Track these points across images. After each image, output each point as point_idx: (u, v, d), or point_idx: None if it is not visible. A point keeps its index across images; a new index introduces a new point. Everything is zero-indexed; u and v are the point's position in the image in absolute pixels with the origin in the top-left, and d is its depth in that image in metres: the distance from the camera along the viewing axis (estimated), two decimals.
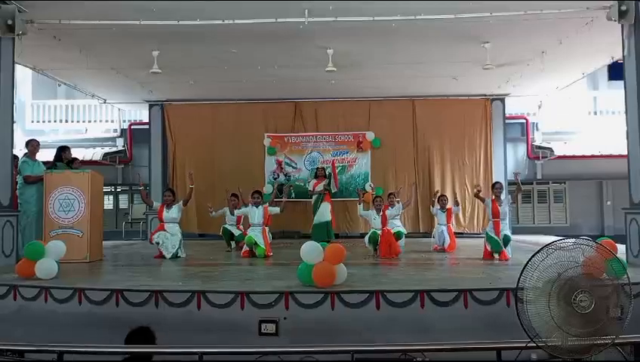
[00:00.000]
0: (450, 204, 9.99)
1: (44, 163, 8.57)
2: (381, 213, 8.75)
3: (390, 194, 10.12)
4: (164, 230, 8.52)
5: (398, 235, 8.99)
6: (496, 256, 7.96)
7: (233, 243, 10.00)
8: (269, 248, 8.73)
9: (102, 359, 3.99)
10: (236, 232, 9.91)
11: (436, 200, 9.95)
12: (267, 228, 8.86)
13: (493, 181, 11.09)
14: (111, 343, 4.22)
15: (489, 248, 8.07)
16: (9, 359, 4.08)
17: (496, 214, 8.11)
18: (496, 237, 7.97)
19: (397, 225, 9.45)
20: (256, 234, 8.63)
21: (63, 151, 8.84)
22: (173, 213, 8.62)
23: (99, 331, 5.08)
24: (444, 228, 9.63)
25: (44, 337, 4.72)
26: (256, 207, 8.80)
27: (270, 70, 10.53)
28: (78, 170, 8.53)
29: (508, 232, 8.23)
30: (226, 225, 10.07)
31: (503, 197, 8.50)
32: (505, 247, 7.98)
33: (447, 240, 9.48)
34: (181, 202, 8.78)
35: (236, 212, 9.62)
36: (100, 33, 8.31)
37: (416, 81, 11.77)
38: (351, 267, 5.92)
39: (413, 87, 12.38)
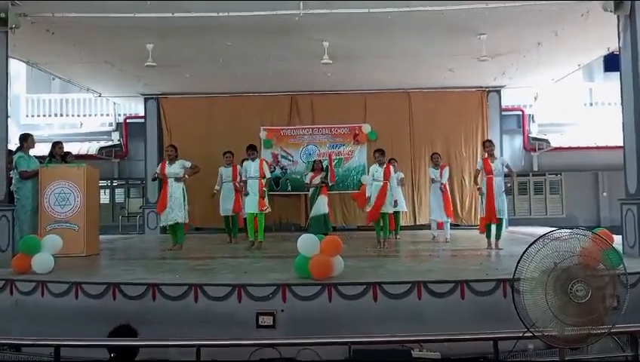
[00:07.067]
0: (443, 162, 10.45)
1: (37, 158, 8.44)
2: (384, 166, 9.05)
3: (391, 159, 10.34)
4: (166, 196, 8.67)
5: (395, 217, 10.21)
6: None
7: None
8: (263, 202, 8.85)
9: (98, 353, 3.99)
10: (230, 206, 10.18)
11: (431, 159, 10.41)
12: (263, 180, 8.91)
13: None
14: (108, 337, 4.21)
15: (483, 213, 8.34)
16: (6, 353, 4.07)
17: (489, 171, 8.25)
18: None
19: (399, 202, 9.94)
20: (251, 186, 8.81)
21: (54, 146, 8.82)
22: (175, 168, 8.81)
23: (95, 325, 5.05)
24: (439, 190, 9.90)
25: (40, 331, 4.70)
26: (252, 161, 8.98)
27: (266, 63, 10.47)
28: (72, 165, 8.48)
29: (504, 198, 8.25)
30: (225, 215, 10.25)
31: (497, 156, 8.65)
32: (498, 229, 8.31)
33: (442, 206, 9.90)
34: (183, 161, 8.93)
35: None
36: (94, 26, 8.24)
37: (412, 73, 11.75)
38: (348, 259, 5.93)
39: (410, 80, 12.34)
